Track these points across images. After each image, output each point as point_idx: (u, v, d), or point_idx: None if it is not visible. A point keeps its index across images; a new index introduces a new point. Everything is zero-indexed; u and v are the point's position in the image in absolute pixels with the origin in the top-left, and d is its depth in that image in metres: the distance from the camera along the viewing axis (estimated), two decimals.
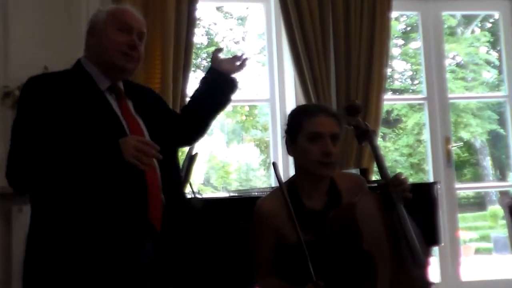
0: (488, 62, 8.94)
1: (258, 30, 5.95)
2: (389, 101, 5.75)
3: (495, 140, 9.22)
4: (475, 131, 8.99)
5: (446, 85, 3.63)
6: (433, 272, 2.87)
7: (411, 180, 3.04)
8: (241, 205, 2.07)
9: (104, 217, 1.45)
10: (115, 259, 1.44)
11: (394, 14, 3.52)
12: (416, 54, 7.82)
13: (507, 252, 6.47)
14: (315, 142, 1.65)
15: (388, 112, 8.34)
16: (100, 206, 1.45)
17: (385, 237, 1.62)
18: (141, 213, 1.48)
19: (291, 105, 3.27)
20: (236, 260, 1.94)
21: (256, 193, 2.42)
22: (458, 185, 3.66)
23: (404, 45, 8.83)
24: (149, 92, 1.77)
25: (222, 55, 1.82)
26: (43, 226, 1.48)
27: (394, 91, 8.67)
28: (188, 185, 2.35)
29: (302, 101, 3.18)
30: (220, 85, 1.78)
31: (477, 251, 8.45)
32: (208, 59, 6.39)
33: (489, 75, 9.13)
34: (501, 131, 8.34)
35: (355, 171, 2.82)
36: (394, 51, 8.55)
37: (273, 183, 3.45)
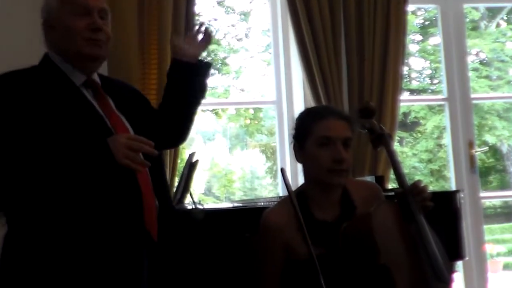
0: None
1: (262, 26, 5.97)
2: (406, 102, 5.74)
3: None
4: (501, 135, 8.95)
5: (468, 85, 3.62)
6: None
7: (431, 188, 3.02)
8: (246, 217, 2.07)
9: (96, 227, 1.39)
10: (111, 275, 1.41)
11: (410, 7, 3.53)
12: (435, 51, 7.81)
13: None
14: (325, 148, 1.66)
15: (405, 115, 8.34)
16: (91, 215, 1.39)
17: (404, 250, 1.63)
18: (136, 220, 1.44)
19: (299, 107, 3.28)
20: (240, 277, 1.94)
21: (262, 204, 2.42)
22: (483, 193, 3.65)
23: (422, 41, 8.82)
24: (128, 88, 1.73)
25: (180, 39, 1.75)
26: (21, 247, 1.39)
27: (412, 91, 8.65)
28: (188, 195, 2.36)
29: (311, 103, 3.18)
30: (189, 77, 1.71)
31: (506, 266, 8.39)
32: (208, 58, 6.42)
33: None
34: None
35: (370, 178, 2.82)
36: (411, 47, 8.55)
37: (281, 192, 3.45)
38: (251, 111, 6.78)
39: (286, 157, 3.34)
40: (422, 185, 1.70)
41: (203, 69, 1.76)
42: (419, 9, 7.35)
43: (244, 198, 6.80)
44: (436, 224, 1.69)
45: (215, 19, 6.28)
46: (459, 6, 3.64)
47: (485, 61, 9.16)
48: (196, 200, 2.35)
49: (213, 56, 6.54)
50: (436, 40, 7.59)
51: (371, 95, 3.23)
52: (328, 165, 1.65)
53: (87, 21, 1.51)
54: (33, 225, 1.40)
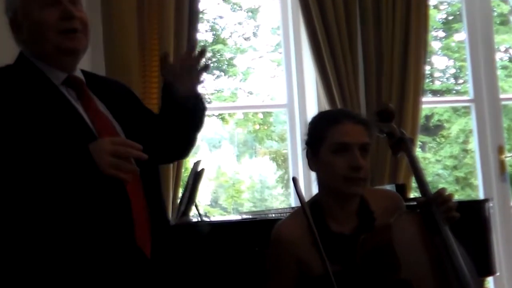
0: None
1: (272, 23, 6.00)
2: (429, 104, 5.72)
3: None
4: None
5: (497, 84, 3.62)
6: None
7: (456, 197, 2.99)
8: (256, 230, 2.08)
9: (81, 246, 1.32)
10: None
11: (433, 1, 3.54)
12: (460, 48, 7.78)
13: None
14: (341, 155, 1.66)
15: (428, 117, 8.30)
16: (74, 233, 1.32)
17: (428, 265, 1.62)
18: (126, 237, 1.36)
19: (312, 111, 3.29)
20: None
21: (273, 215, 2.43)
22: None
23: (446, 37, 8.80)
24: (117, 85, 1.67)
25: (172, 71, 1.58)
26: None
27: (435, 92, 8.63)
28: (193, 207, 2.37)
29: (326, 106, 3.19)
30: (183, 112, 1.59)
31: None
32: (214, 59, 6.44)
33: None
34: None
35: (389, 187, 2.82)
36: (434, 45, 8.53)
37: (293, 203, 3.45)
38: (260, 116, 6.79)
39: (299, 165, 3.34)
40: (447, 193, 1.70)
41: (198, 105, 1.64)
42: (441, 3, 7.34)
43: (254, 209, 6.81)
44: (463, 237, 1.68)
45: (221, 17, 6.32)
46: None
47: None
48: (202, 212, 2.36)
49: (219, 56, 6.57)
50: (461, 36, 7.56)
51: (390, 97, 3.23)
52: (344, 173, 1.65)
53: (57, 11, 1.44)
54: (11, 248, 1.34)
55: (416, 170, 1.77)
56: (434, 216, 1.65)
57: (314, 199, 1.75)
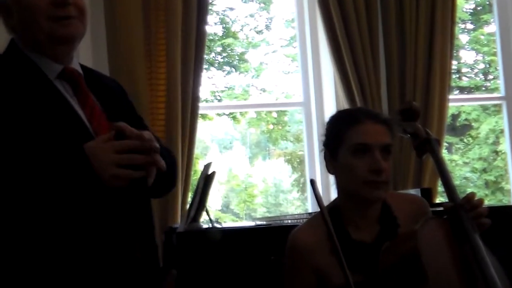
0: None
1: (286, 15, 6.00)
2: (456, 102, 5.70)
3: None
4: None
5: None
6: None
7: (487, 202, 2.96)
8: (270, 237, 2.08)
9: (76, 246, 1.29)
10: None
11: None
12: (490, 41, 7.74)
13: None
14: (361, 156, 1.66)
15: (455, 116, 8.26)
16: (68, 235, 1.28)
17: (456, 275, 1.61)
18: (131, 256, 1.32)
19: (330, 109, 3.29)
20: None
21: (288, 221, 2.43)
22: None
23: (474, 30, 8.75)
24: (114, 84, 1.64)
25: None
26: None
27: (462, 89, 8.59)
28: (204, 212, 2.38)
29: (344, 105, 3.19)
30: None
31: None
32: (224, 54, 6.46)
33: None
34: None
35: (414, 191, 2.81)
36: (461, 38, 8.48)
37: (310, 208, 3.45)
38: (274, 115, 6.79)
39: (316, 168, 3.34)
40: (476, 198, 1.69)
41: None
42: None
43: (268, 215, 6.82)
44: (495, 245, 1.67)
45: (231, 8, 6.33)
46: None
47: None
48: (212, 218, 2.37)
49: (229, 51, 6.58)
50: (491, 28, 7.52)
51: (414, 94, 3.22)
52: (365, 176, 1.65)
53: None
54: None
55: (442, 173, 1.76)
56: (463, 223, 1.64)
57: (333, 204, 1.75)
